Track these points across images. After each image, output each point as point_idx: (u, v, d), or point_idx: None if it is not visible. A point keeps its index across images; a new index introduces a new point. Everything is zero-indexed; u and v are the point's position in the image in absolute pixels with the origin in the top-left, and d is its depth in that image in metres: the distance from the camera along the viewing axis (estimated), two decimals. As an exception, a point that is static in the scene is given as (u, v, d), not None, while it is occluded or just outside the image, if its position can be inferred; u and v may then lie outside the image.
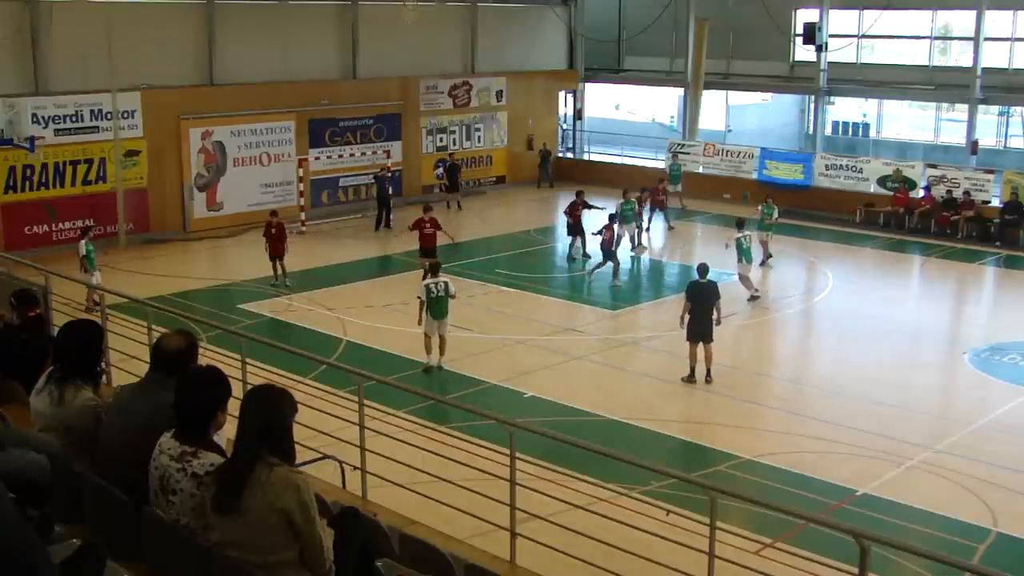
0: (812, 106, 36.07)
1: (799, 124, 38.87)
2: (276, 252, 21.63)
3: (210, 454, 4.67)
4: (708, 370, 16.16)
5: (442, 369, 16.64)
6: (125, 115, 25.00)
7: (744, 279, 21.00)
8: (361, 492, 7.80)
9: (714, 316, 16.15)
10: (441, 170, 32.17)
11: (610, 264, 22.21)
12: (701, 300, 16.21)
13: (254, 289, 21.53)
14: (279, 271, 21.70)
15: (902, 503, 12.25)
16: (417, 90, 32.00)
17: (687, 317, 16.26)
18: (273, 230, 21.70)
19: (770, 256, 23.89)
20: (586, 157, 37.94)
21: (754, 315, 20.29)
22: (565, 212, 24.96)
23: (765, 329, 19.93)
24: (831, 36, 33.26)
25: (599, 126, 39.93)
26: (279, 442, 4.45)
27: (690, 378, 16.17)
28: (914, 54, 34.40)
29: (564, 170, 35.37)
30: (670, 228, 27.63)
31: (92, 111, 24.73)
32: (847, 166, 30.74)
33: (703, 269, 16.69)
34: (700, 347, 16.14)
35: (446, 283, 16.72)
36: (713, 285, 16.55)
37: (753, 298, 20.80)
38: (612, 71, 39.76)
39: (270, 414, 4.48)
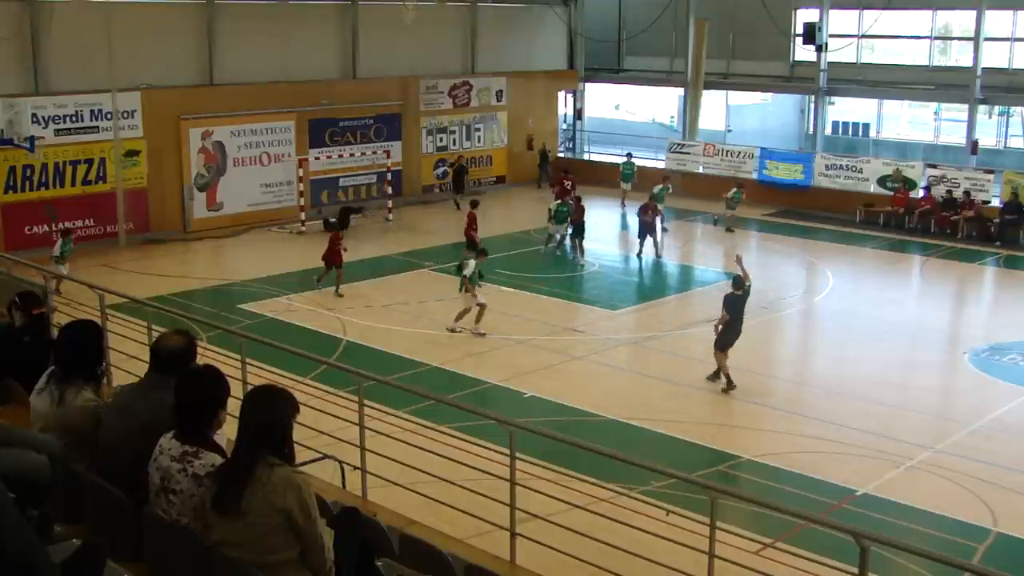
0: (812, 106, 36.06)
1: (799, 124, 38.81)
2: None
3: (211, 454, 4.68)
4: (716, 372, 16.17)
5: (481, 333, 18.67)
6: (125, 115, 25.00)
7: (551, 237, 24.78)
8: (361, 492, 7.80)
9: (715, 322, 16.18)
10: (443, 169, 32.17)
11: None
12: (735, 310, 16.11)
13: (254, 289, 21.52)
14: (330, 275, 21.33)
15: (902, 503, 12.25)
16: (417, 90, 31.99)
17: (720, 327, 16.13)
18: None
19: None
20: (586, 157, 37.90)
21: (754, 315, 20.24)
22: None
23: (765, 329, 19.89)
24: (831, 36, 33.26)
25: (599, 126, 39.90)
26: (279, 442, 4.47)
27: (729, 385, 16.00)
28: (914, 54, 34.39)
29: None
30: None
31: (92, 111, 24.72)
32: (847, 166, 30.73)
33: (737, 282, 16.37)
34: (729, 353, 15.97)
35: (459, 264, 19.33)
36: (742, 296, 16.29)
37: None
38: (612, 71, 39.74)
39: (271, 414, 4.50)
